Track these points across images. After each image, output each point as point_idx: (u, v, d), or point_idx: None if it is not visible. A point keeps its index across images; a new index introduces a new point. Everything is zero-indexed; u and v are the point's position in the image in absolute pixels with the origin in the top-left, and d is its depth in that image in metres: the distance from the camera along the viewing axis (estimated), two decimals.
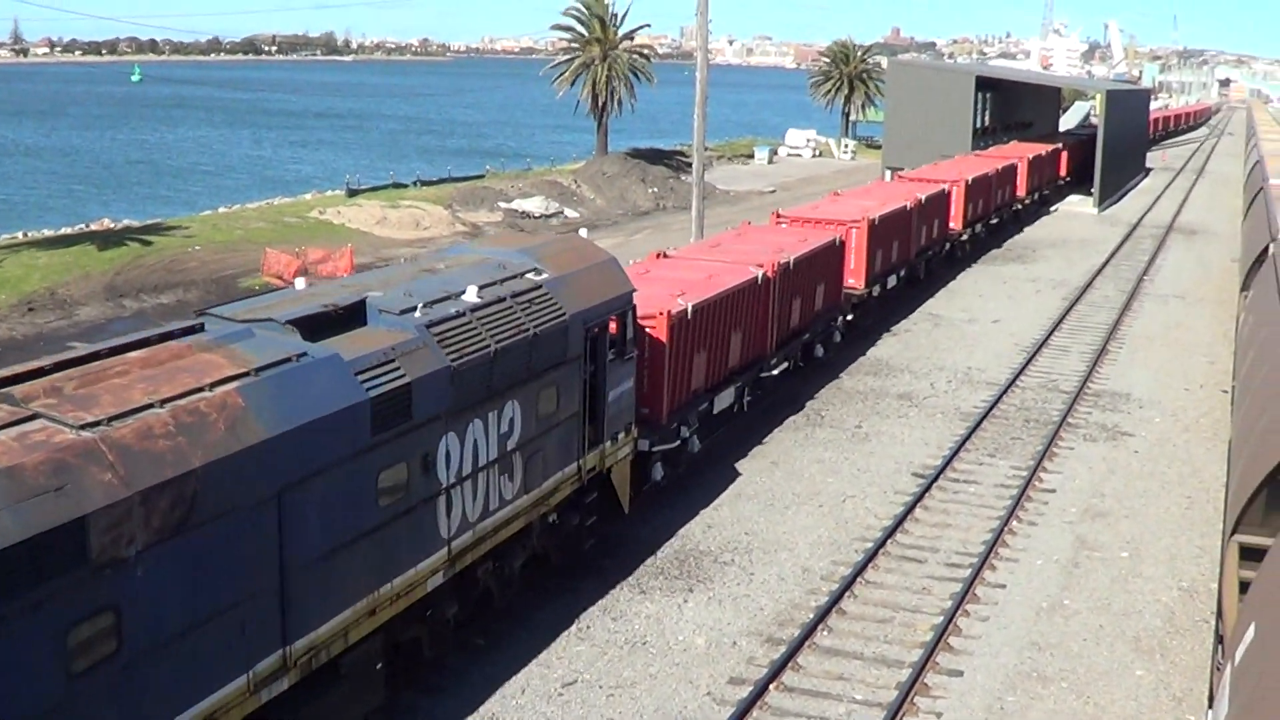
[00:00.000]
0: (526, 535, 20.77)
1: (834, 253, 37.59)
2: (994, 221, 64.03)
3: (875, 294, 42.91)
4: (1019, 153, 74.55)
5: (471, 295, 18.89)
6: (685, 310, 26.48)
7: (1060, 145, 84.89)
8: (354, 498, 15.70)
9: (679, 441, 26.89)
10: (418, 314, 17.61)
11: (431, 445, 17.26)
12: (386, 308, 17.48)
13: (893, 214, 44.16)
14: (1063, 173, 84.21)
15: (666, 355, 25.72)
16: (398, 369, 16.49)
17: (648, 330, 25.24)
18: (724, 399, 29.71)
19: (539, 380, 19.96)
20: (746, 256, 32.77)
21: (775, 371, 32.79)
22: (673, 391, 26.23)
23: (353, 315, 17.15)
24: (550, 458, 20.65)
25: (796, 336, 34.97)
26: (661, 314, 25.58)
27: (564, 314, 20.61)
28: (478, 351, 18.15)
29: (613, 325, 22.70)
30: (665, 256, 32.79)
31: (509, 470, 19.40)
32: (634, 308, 23.49)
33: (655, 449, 25.65)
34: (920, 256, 49.31)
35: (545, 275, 20.99)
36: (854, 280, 40.70)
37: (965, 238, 57.55)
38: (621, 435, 23.40)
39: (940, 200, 52.19)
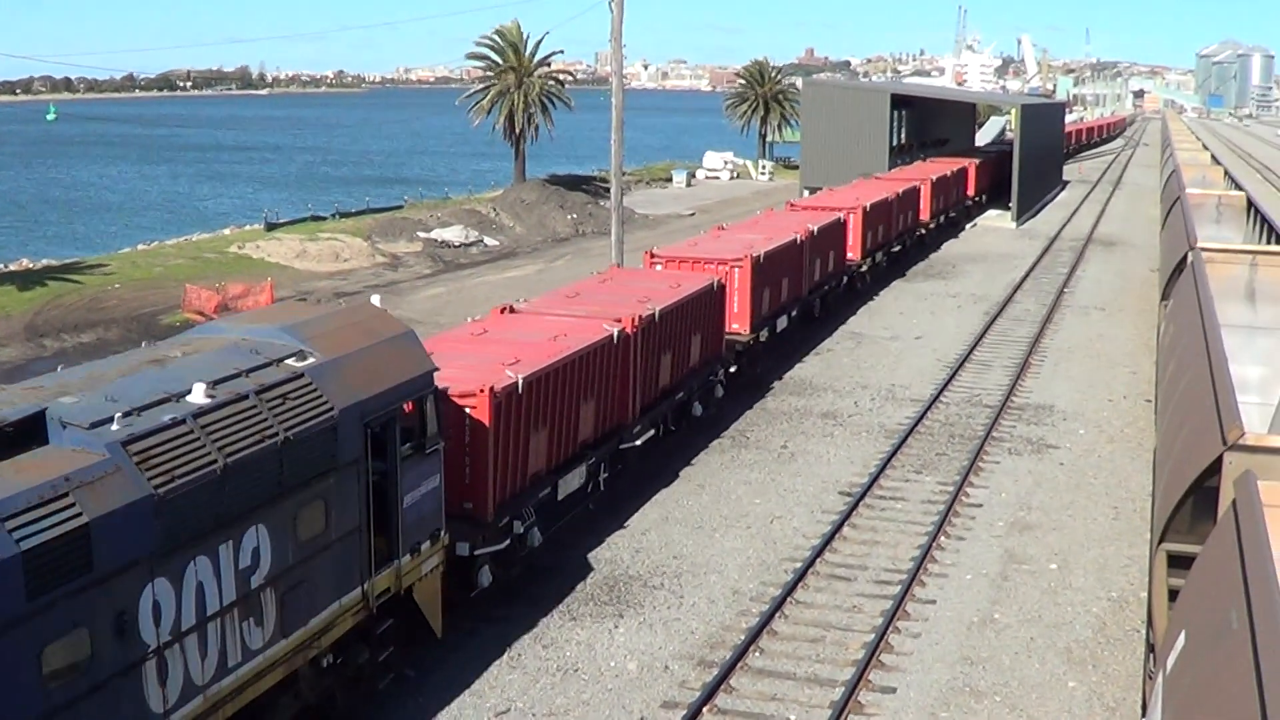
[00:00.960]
0: (293, 684, 16.82)
1: (713, 297, 33.69)
2: (896, 249, 60.75)
3: (763, 339, 39.14)
4: (922, 174, 71.13)
5: (198, 395, 15.00)
6: (515, 384, 22.50)
7: (967, 163, 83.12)
8: (4, 685, 12.03)
9: (509, 540, 22.82)
10: (114, 426, 13.74)
11: (129, 600, 13.36)
12: (73, 419, 13.54)
13: (781, 249, 40.61)
14: (971, 192, 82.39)
15: (491, 439, 21.71)
16: (70, 506, 12.63)
17: (468, 410, 21.32)
18: (572, 481, 25.44)
19: (298, 495, 16.07)
20: (605, 308, 28.85)
21: (639, 441, 28.66)
22: (501, 481, 22.29)
23: (28, 431, 13.35)
24: (320, 588, 16.76)
25: (668, 396, 30.89)
26: (483, 391, 21.50)
27: (331, 410, 16.69)
28: (199, 470, 14.26)
29: (410, 413, 18.87)
30: (512, 311, 28.78)
31: (256, 613, 15.47)
32: (436, 390, 19.49)
33: (480, 552, 21.87)
34: (815, 293, 45.73)
35: (311, 360, 17.08)
36: (738, 325, 36.95)
37: (865, 269, 53.60)
38: (427, 545, 19.48)
39: (835, 230, 48.47)
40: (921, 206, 66.87)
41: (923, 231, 67.42)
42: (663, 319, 29.77)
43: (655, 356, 29.62)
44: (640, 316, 28.36)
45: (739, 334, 37.04)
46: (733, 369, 36.72)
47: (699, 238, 43.82)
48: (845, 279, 50.77)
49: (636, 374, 28.35)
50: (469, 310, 47.02)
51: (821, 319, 47.25)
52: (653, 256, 37.43)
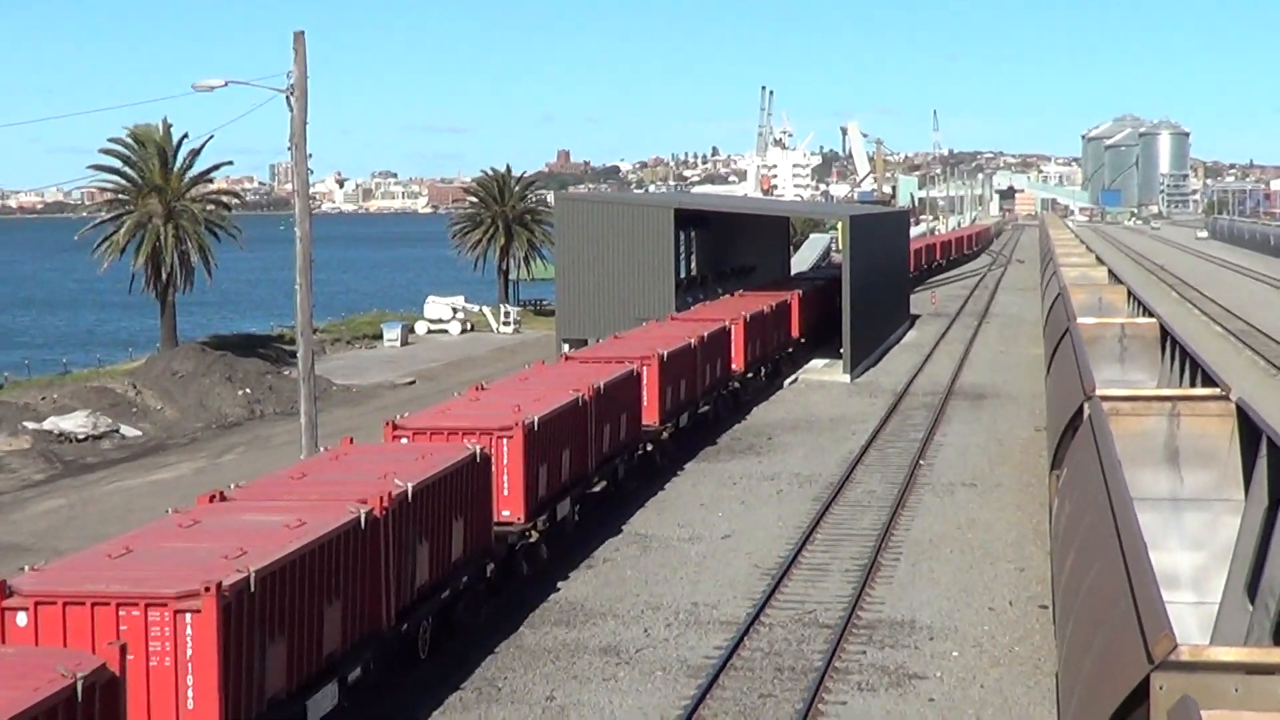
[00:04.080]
0: None
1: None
2: (599, 486, 48.87)
3: None
4: (645, 349, 58.03)
5: None
6: None
7: (729, 321, 71.79)
8: None
9: None
10: None
11: None
12: None
13: (308, 551, 27.57)
14: (739, 366, 72.23)
15: None
16: None
17: None
18: None
19: None
20: None
21: None
22: None
23: None
24: None
25: None
26: None
27: None
28: None
29: None
30: None
31: None
32: None
33: None
34: (416, 612, 33.28)
35: None
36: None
37: (533, 535, 41.67)
38: None
39: (470, 473, 36.78)
40: (644, 403, 55.08)
41: (647, 447, 55.74)
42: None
43: None
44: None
45: None
46: None
47: (192, 512, 30.16)
48: (489, 566, 38.62)
49: None
50: (100, 529, 45.82)
51: (428, 658, 34.14)
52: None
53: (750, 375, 75.12)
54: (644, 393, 55.02)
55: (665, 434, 57.28)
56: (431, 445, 39.07)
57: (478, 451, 37.51)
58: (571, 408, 45.70)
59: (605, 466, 49.29)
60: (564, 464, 44.56)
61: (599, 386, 48.53)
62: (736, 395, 72.54)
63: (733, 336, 71.89)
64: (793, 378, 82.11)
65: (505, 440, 40.48)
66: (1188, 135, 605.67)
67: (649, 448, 55.77)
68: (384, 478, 32.87)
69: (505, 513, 40.10)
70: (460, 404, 45.95)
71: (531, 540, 41.69)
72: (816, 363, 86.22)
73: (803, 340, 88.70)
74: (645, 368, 55.53)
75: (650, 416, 55.66)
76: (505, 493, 40.36)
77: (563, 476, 44.45)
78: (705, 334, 65.37)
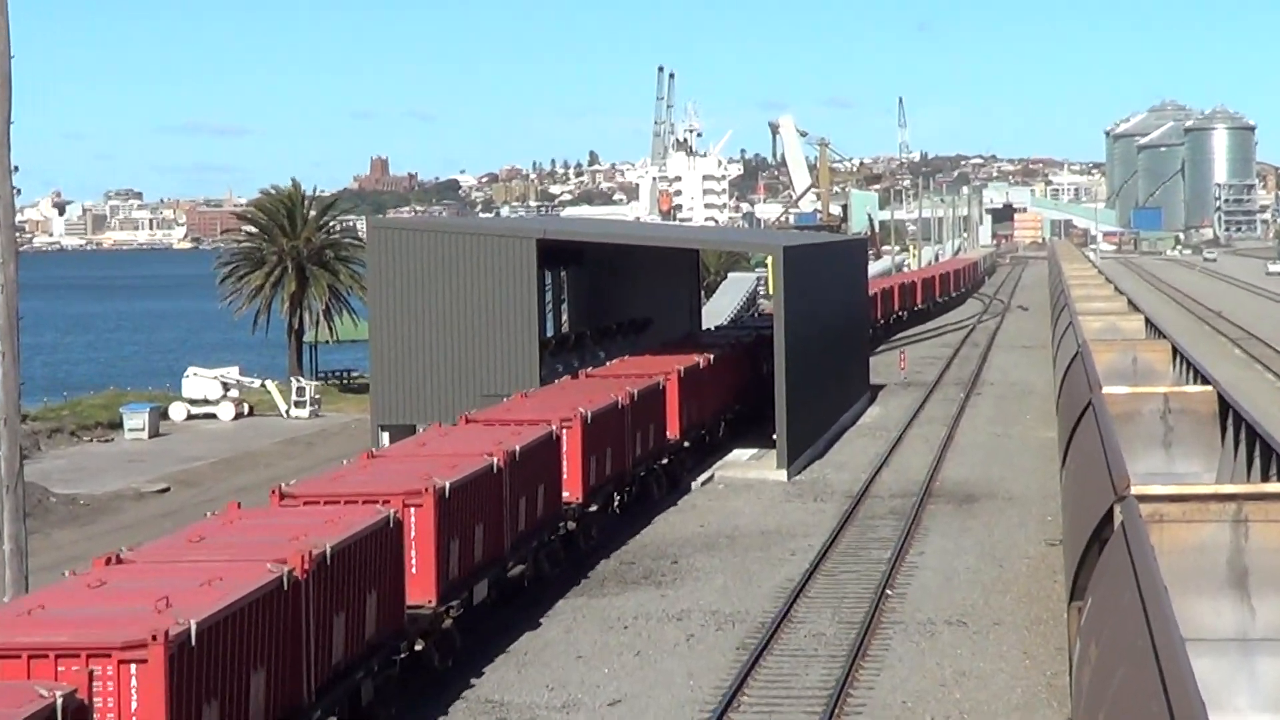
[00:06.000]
0: None
1: None
2: None
3: None
4: (415, 474, 50.72)
5: None
6: None
7: (562, 421, 64.49)
8: None
9: None
10: None
11: None
12: None
13: None
14: (574, 495, 64.38)
15: None
16: None
17: None
18: None
19: None
20: None
21: None
22: None
23: None
24: None
25: None
26: None
27: None
28: None
29: None
30: None
31: None
32: None
33: None
34: None
35: None
36: None
37: None
38: None
39: None
40: (411, 576, 47.20)
41: (418, 645, 47.08)
42: None
43: None
44: None
45: None
46: None
47: None
48: None
49: None
50: None
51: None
52: None
53: (594, 509, 67.32)
54: (410, 555, 47.07)
55: (446, 620, 48.94)
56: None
57: (59, 704, 28.20)
58: (269, 594, 36.31)
59: (338, 688, 40.18)
60: (254, 695, 35.39)
61: (323, 552, 39.36)
62: (571, 542, 64.71)
63: (565, 449, 64.49)
64: (707, 475, 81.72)
65: (134, 666, 31.32)
66: (1253, 130, 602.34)
67: (418, 646, 47.09)
68: None
69: None
70: (73, 591, 35.89)
71: None
72: (740, 454, 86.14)
73: (685, 444, 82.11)
74: (411, 510, 47.61)
75: (420, 593, 47.32)
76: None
77: (280, 694, 36.49)
78: (516, 448, 57.28)
